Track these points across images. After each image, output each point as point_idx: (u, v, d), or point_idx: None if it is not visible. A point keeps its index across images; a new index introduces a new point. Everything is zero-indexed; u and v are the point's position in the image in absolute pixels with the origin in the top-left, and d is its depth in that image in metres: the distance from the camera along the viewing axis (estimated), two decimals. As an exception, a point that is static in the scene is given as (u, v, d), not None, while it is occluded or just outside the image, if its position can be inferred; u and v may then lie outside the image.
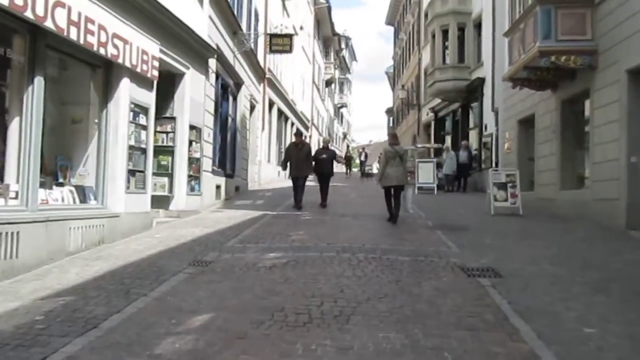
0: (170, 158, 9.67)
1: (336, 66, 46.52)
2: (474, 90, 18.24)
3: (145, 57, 7.88)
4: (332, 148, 15.73)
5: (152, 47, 8.13)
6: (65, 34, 6.00)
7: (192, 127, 10.16)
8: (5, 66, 5.87)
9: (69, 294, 4.63)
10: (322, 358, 3.23)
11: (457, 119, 20.75)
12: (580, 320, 3.97)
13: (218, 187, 12.34)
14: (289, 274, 5.35)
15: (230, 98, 14.34)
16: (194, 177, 10.44)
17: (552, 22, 9.12)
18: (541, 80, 10.60)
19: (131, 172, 7.93)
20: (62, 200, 6.72)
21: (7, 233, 5.22)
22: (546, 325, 3.83)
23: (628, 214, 7.96)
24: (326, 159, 11.64)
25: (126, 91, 7.63)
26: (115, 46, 7.07)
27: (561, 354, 3.31)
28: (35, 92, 5.85)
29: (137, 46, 7.63)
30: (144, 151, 8.29)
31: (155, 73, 8.28)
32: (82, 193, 7.15)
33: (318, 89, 36.47)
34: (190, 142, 10.17)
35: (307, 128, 30.20)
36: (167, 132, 9.69)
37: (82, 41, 6.33)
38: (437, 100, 22.03)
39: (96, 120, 7.48)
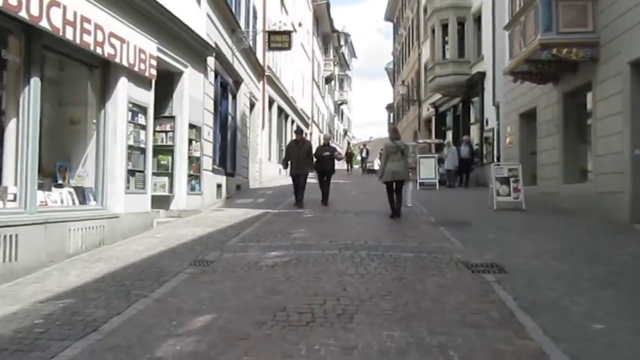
0: (170, 157, 9.63)
1: (336, 63, 46.47)
2: (475, 85, 18.14)
3: (142, 56, 7.82)
4: (333, 145, 15.66)
5: (149, 45, 8.07)
6: (60, 33, 5.95)
7: (191, 126, 10.11)
8: (1, 67, 5.81)
9: (68, 296, 4.58)
10: (326, 358, 3.18)
11: (458, 114, 20.65)
12: (587, 316, 3.91)
13: (219, 186, 12.30)
14: (291, 272, 5.30)
15: (230, 96, 14.28)
16: (195, 176, 10.40)
17: (553, 14, 9.03)
18: (542, 74, 10.50)
19: (131, 172, 7.88)
20: (62, 201, 6.67)
21: (5, 236, 5.19)
22: (553, 321, 3.77)
23: (632, 207, 7.89)
24: (327, 156, 11.58)
25: (124, 91, 7.58)
26: (112, 45, 7.02)
27: (571, 352, 3.23)
28: (32, 93, 5.81)
29: (135, 45, 7.58)
30: (143, 151, 8.25)
31: (153, 72, 8.23)
32: (82, 194, 7.11)
33: (318, 86, 36.39)
34: (190, 141, 10.12)
35: (307, 125, 30.14)
36: (166, 132, 9.64)
37: (78, 41, 6.27)
38: (438, 96, 21.92)
39: (94, 121, 7.44)
